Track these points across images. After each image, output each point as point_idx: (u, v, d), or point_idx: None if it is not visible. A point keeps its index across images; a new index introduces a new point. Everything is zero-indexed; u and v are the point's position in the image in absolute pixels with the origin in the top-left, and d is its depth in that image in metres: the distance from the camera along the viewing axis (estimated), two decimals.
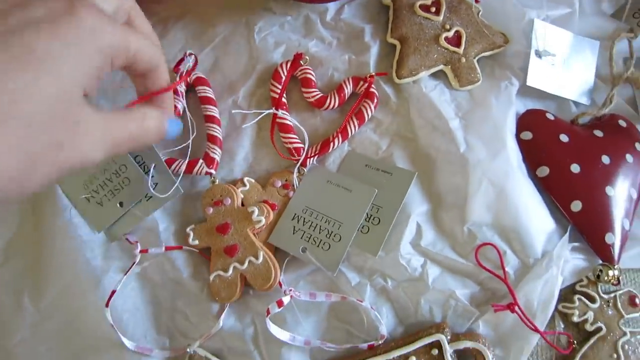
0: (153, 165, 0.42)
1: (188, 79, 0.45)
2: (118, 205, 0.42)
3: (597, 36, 0.51)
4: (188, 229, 0.42)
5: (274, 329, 0.39)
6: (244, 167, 0.45)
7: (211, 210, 0.42)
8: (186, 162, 0.42)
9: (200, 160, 0.43)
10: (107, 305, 0.40)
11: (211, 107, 0.45)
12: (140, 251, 0.42)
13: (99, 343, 0.41)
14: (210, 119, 0.45)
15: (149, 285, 0.43)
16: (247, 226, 0.41)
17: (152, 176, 0.41)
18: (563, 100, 0.48)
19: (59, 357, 0.42)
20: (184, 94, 0.45)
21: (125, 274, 0.41)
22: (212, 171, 0.43)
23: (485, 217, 0.42)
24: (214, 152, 0.44)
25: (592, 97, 0.49)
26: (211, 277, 0.41)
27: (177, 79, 0.44)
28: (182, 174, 0.42)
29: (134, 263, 0.41)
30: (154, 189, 0.42)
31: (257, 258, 0.41)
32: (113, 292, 0.40)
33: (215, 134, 0.44)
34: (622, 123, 0.47)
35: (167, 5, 0.47)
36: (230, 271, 0.41)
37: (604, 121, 0.47)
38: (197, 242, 0.42)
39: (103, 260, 0.42)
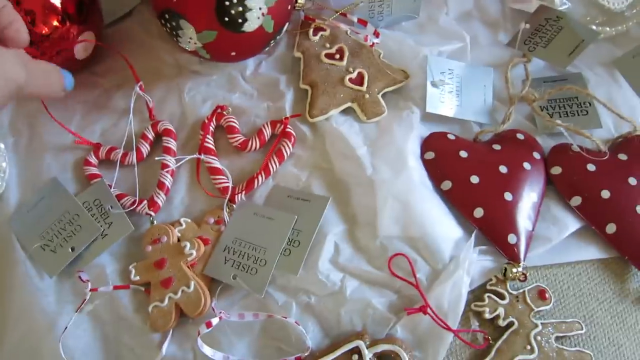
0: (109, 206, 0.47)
1: (157, 128, 0.50)
2: (70, 250, 0.46)
3: (496, 63, 0.56)
4: (130, 267, 0.46)
5: (207, 350, 0.42)
6: (181, 209, 0.49)
7: (150, 248, 0.46)
8: (134, 199, 0.47)
9: (145, 202, 0.48)
10: (59, 340, 0.43)
11: (169, 157, 0.49)
12: (91, 290, 0.45)
13: None
14: (165, 166, 0.49)
15: (99, 324, 0.46)
16: (181, 259, 0.45)
17: (107, 216, 0.46)
18: (465, 122, 0.52)
19: None
20: (152, 141, 0.50)
21: (77, 310, 0.44)
22: (152, 213, 0.47)
23: (394, 230, 0.45)
24: (158, 197, 0.48)
25: (493, 117, 0.53)
26: (150, 308, 0.44)
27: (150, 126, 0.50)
28: (125, 211, 0.47)
29: (84, 300, 0.45)
30: (108, 228, 0.46)
31: (188, 287, 0.44)
32: (65, 328, 0.43)
33: (165, 181, 0.49)
34: (520, 136, 0.51)
35: (107, 77, 0.54)
36: (166, 301, 0.44)
37: (502, 136, 0.51)
38: (138, 277, 0.46)
39: (57, 304, 0.46)
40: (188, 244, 0.45)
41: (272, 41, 0.50)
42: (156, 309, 0.44)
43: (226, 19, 0.45)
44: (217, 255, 0.46)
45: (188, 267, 0.45)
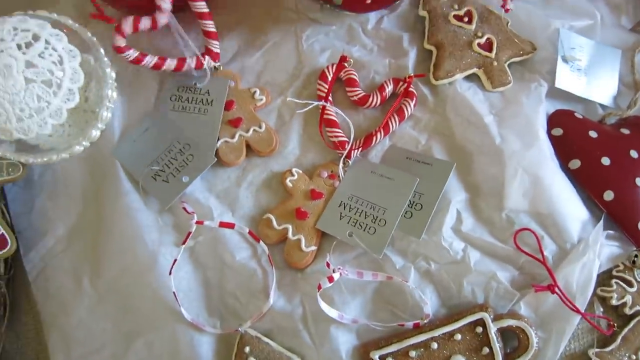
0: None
1: None
2: (183, 179, 0.44)
3: (619, 46, 0.54)
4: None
5: (324, 306, 0.40)
6: (291, 160, 0.47)
7: None
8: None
9: (205, 56, 0.47)
10: (170, 272, 0.41)
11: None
12: (196, 222, 0.43)
13: (155, 321, 0.42)
14: (204, 16, 0.47)
15: (201, 267, 0.44)
16: (250, 104, 0.46)
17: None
18: (589, 103, 0.50)
19: (114, 337, 0.43)
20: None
21: (183, 243, 0.43)
22: (215, 64, 0.48)
23: (522, 204, 0.43)
24: (212, 46, 0.48)
25: (617, 101, 0.51)
26: (218, 144, 0.45)
27: None
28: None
29: (189, 233, 0.43)
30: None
31: (260, 127, 0.46)
32: (175, 260, 0.42)
33: (210, 29, 0.47)
34: None
35: (222, 15, 0.51)
36: (237, 138, 0.46)
37: (629, 121, 0.49)
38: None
39: (159, 241, 0.44)
40: (258, 90, 0.47)
41: None
42: (225, 144, 0.45)
43: None
44: (331, 210, 0.44)
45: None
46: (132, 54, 0.44)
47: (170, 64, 0.46)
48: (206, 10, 0.46)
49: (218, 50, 0.48)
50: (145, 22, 0.43)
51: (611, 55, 0.52)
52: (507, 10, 0.50)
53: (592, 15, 0.53)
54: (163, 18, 0.44)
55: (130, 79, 0.50)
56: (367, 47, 0.51)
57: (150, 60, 0.45)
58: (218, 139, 0.46)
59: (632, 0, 0.57)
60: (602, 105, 0.51)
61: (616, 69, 0.51)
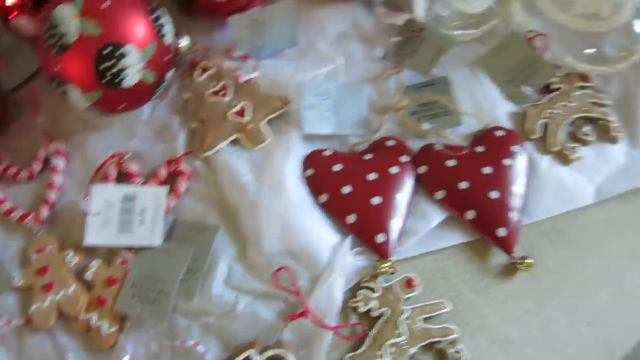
0: None
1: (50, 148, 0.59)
2: None
3: (373, 77, 0.64)
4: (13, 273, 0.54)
5: None
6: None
7: (35, 256, 0.55)
8: None
9: (31, 214, 0.57)
10: None
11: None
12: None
13: None
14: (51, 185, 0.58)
15: None
16: (63, 267, 0.54)
17: None
18: (343, 136, 0.60)
19: None
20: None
21: None
22: (37, 225, 0.56)
23: (277, 247, 0.53)
24: (43, 211, 0.57)
25: (370, 128, 0.61)
26: (32, 309, 0.53)
27: None
28: None
29: None
30: None
31: (68, 289, 0.53)
32: None
33: (50, 197, 0.58)
34: (390, 142, 0.58)
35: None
36: (47, 302, 0.53)
37: (374, 145, 0.59)
38: (21, 282, 0.54)
39: None
40: (71, 252, 0.54)
41: (158, 89, 0.58)
42: (37, 310, 0.52)
43: (106, 79, 0.53)
44: (125, 292, 0.54)
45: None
46: None
47: None
48: None
49: (44, 216, 0.57)
50: None
51: (357, 90, 0.62)
52: (247, 81, 0.60)
53: (334, 60, 0.63)
54: None
55: None
56: (145, 138, 0.61)
57: None
58: None
59: (385, 32, 0.67)
60: (358, 135, 0.60)
61: (364, 101, 0.61)
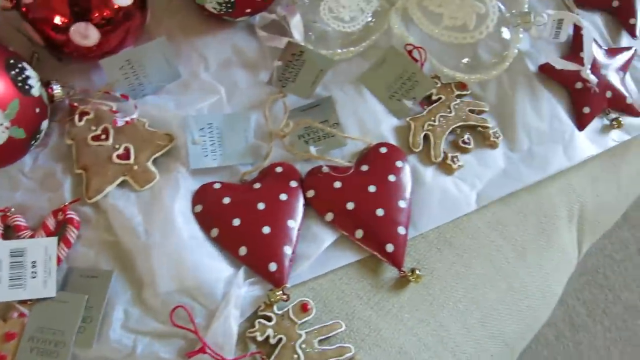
0: None
1: None
2: None
3: (258, 103, 0.67)
4: None
5: None
6: None
7: None
8: None
9: None
10: None
11: None
12: None
13: None
14: None
15: None
16: None
17: None
18: (233, 166, 0.62)
19: None
20: None
21: None
22: None
23: (171, 286, 0.55)
24: None
25: (259, 155, 0.63)
26: None
27: None
28: None
29: None
30: None
31: None
32: None
33: None
34: (279, 169, 0.62)
35: None
36: None
37: (264, 172, 0.62)
38: None
39: None
40: None
41: (34, 141, 0.59)
42: None
43: None
44: (23, 346, 0.55)
45: None
46: None
47: None
48: None
49: None
50: None
51: (241, 119, 0.64)
52: (128, 123, 0.61)
53: (217, 91, 0.65)
54: None
55: None
56: (30, 189, 0.62)
57: None
58: None
59: (269, 55, 0.70)
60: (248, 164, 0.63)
61: (250, 129, 0.64)
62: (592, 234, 0.76)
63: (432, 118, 0.65)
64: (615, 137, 0.70)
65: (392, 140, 0.65)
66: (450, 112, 0.66)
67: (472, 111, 0.67)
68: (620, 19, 0.74)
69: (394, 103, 0.67)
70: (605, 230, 0.80)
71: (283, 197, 0.60)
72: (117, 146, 0.62)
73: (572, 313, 1.25)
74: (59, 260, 0.58)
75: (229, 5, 0.65)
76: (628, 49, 0.73)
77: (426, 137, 0.65)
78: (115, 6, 0.59)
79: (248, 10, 0.67)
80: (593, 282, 1.29)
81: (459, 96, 0.67)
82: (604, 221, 0.77)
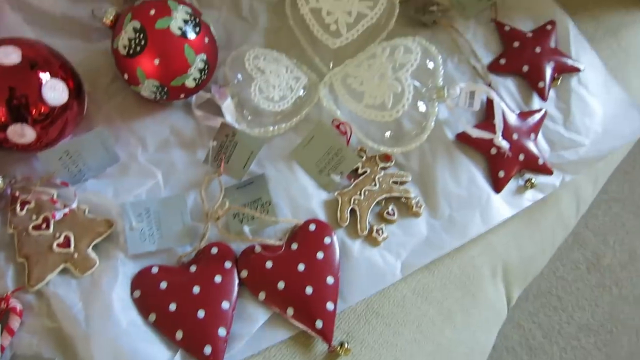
0: None
1: None
2: None
3: (195, 182, 0.70)
4: None
5: None
6: None
7: None
8: None
9: None
10: None
11: None
12: None
13: None
14: None
15: None
16: None
17: None
18: (169, 249, 0.66)
19: None
20: None
21: None
22: None
23: None
24: None
25: (194, 236, 0.66)
26: None
27: None
28: None
29: None
30: None
31: None
32: None
33: None
34: (214, 250, 0.65)
35: None
36: None
37: (200, 254, 0.65)
38: None
39: None
40: None
41: None
42: None
43: None
44: None
45: None
46: None
47: None
48: None
49: None
50: None
51: (177, 202, 0.67)
52: (67, 214, 0.64)
53: (154, 175, 0.69)
54: None
55: None
56: None
57: None
58: None
59: (206, 134, 0.73)
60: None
61: (185, 211, 0.67)
62: (522, 282, 0.81)
63: (358, 192, 0.70)
64: (530, 196, 0.75)
65: (322, 215, 0.69)
66: (375, 185, 0.70)
67: (395, 182, 0.71)
68: (530, 83, 0.80)
69: (323, 177, 0.71)
70: (535, 276, 0.86)
71: (218, 279, 0.63)
72: (57, 235, 0.64)
73: (528, 336, 1.31)
74: (2, 348, 0.60)
75: (163, 92, 0.69)
76: (539, 110, 0.78)
77: (353, 211, 0.69)
78: (51, 106, 0.62)
79: (182, 96, 0.71)
80: (547, 304, 1.35)
81: (383, 168, 0.72)
82: (531, 270, 0.82)
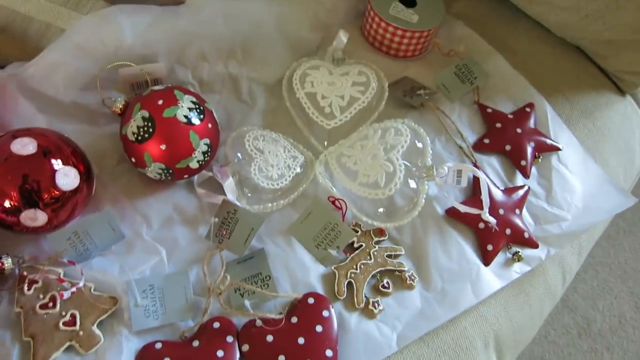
0: None
1: None
2: None
3: (198, 258, 0.72)
4: None
5: None
6: None
7: None
8: None
9: None
10: None
11: None
12: None
13: None
14: None
15: None
16: None
17: None
18: (172, 324, 0.67)
19: None
20: None
21: None
22: None
23: None
24: None
25: (197, 311, 0.68)
26: None
27: None
28: None
29: None
30: None
31: None
32: None
33: None
34: (216, 324, 0.67)
35: None
36: None
37: (202, 328, 0.67)
38: None
39: None
40: None
41: None
42: None
43: None
44: None
45: None
46: None
47: None
48: None
49: None
50: None
51: (180, 278, 0.70)
52: (74, 293, 0.66)
53: (158, 252, 0.71)
54: None
55: None
56: None
57: None
58: None
59: (207, 210, 0.77)
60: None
61: (188, 286, 0.69)
62: (514, 351, 0.83)
63: (354, 266, 0.72)
64: (518, 269, 0.78)
65: (320, 288, 0.71)
66: (370, 259, 0.73)
67: (389, 256, 0.74)
68: (513, 161, 0.85)
69: (320, 252, 0.74)
70: (526, 344, 0.87)
71: (220, 353, 0.65)
72: (64, 313, 0.66)
73: None
74: None
75: (168, 174, 0.73)
76: (522, 187, 0.83)
77: (350, 285, 0.71)
78: (63, 190, 0.66)
79: (186, 176, 0.75)
80: None
81: (377, 242, 0.75)
82: (522, 339, 0.84)
